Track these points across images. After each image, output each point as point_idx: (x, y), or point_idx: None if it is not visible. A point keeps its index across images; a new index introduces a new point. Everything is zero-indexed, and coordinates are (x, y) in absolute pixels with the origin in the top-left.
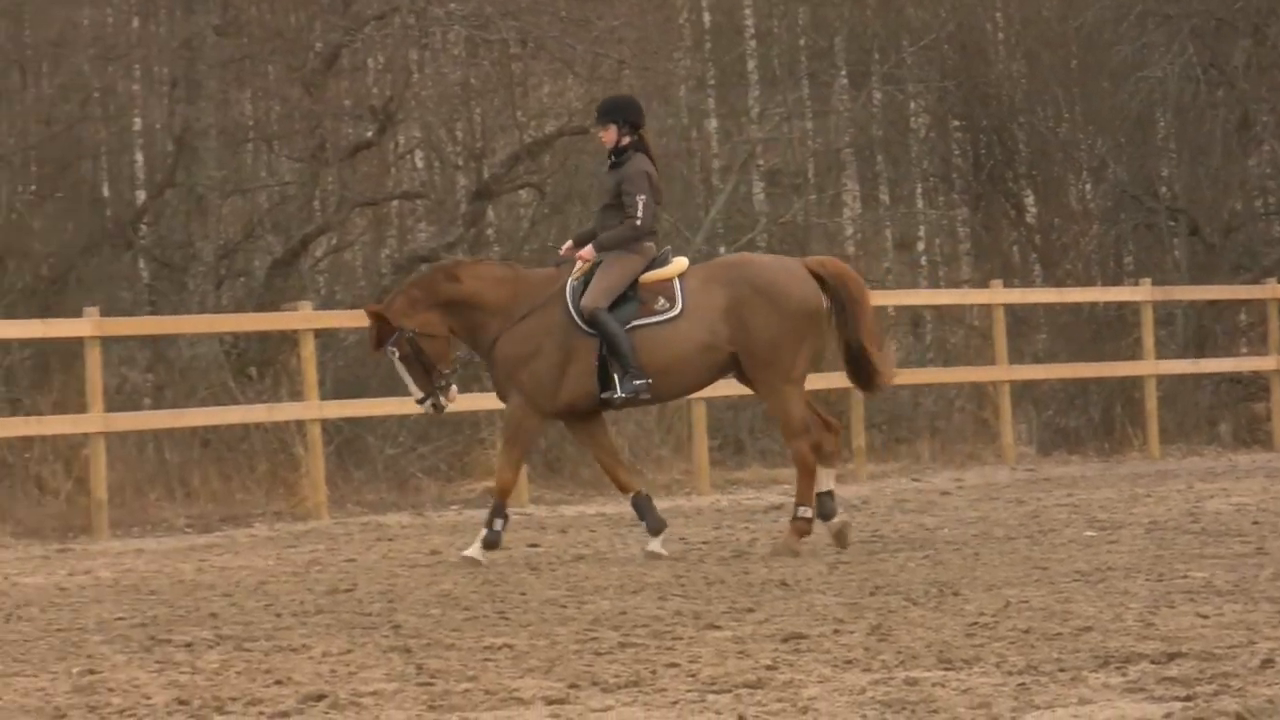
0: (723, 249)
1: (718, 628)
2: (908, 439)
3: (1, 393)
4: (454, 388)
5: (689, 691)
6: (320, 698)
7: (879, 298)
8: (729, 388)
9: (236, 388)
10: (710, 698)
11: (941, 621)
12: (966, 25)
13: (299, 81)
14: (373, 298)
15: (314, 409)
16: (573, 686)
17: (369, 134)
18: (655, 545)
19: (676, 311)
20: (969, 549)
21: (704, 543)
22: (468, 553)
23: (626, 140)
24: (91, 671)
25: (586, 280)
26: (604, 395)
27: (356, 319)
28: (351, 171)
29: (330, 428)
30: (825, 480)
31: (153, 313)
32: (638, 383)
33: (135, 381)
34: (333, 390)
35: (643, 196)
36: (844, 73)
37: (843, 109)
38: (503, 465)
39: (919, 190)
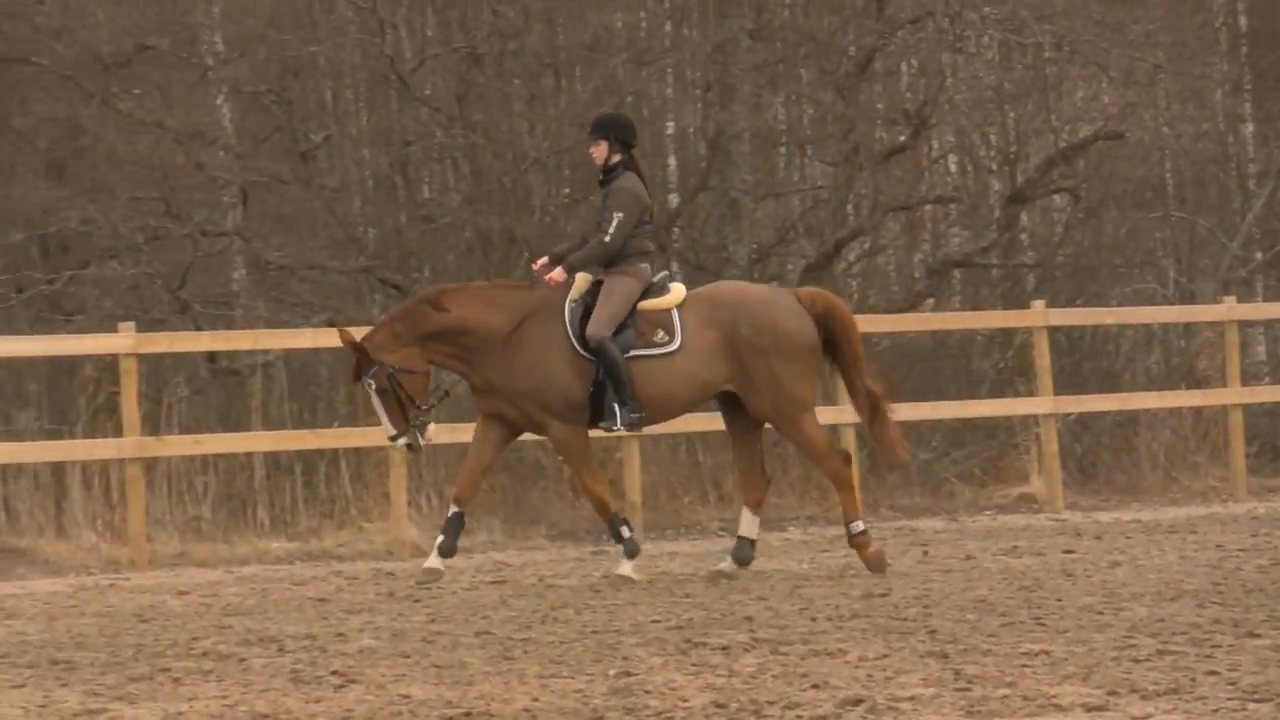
0: (1259, 254)
1: (1257, 636)
2: None
3: None
4: (431, 426)
5: (1230, 700)
6: (857, 702)
7: None
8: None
9: None
10: (1251, 706)
11: None
12: None
13: (832, 85)
14: (905, 303)
15: (848, 413)
16: (1111, 694)
17: (902, 138)
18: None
19: (675, 346)
20: None
21: (1241, 550)
22: (621, 571)
23: (617, 158)
24: (628, 673)
25: (586, 303)
26: (602, 424)
27: (891, 323)
28: (885, 175)
29: (864, 432)
30: (749, 527)
31: None
32: (634, 416)
33: None
34: None
35: (620, 214)
36: None
37: None
38: (587, 487)
39: None
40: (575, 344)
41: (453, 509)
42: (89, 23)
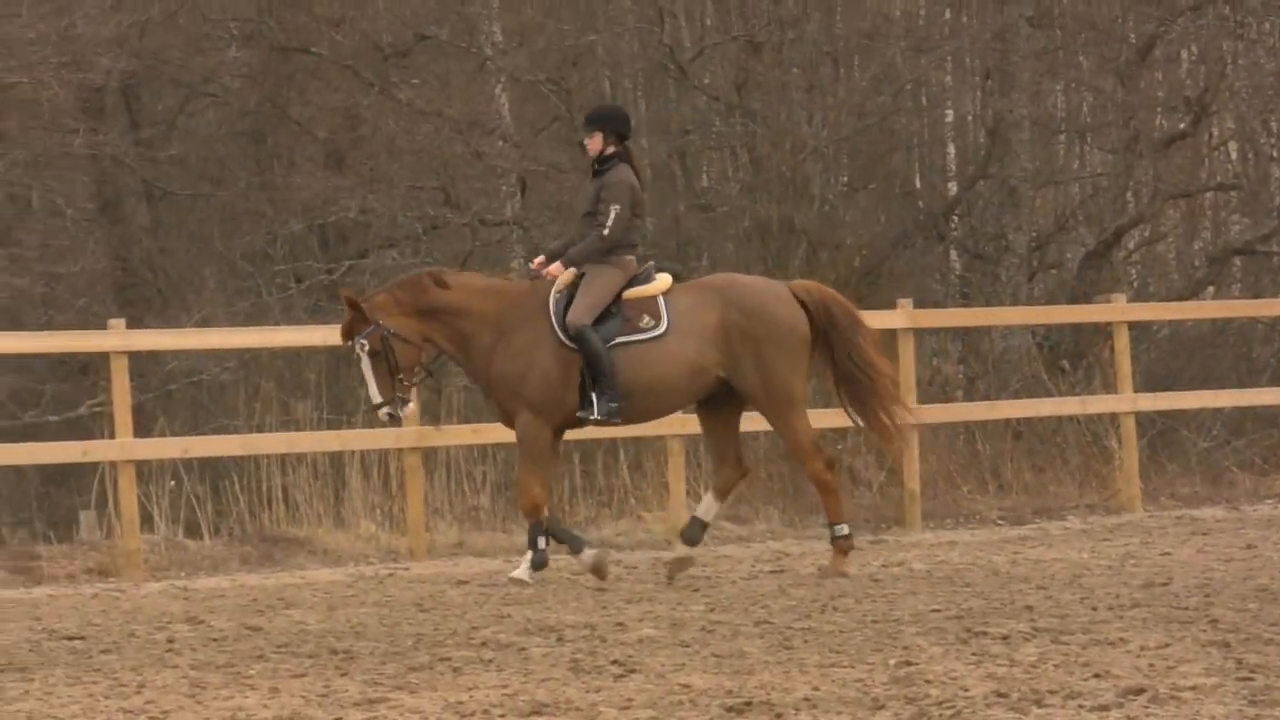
0: None
1: None
2: None
3: (815, 384)
4: (412, 404)
5: None
6: (1139, 691)
7: None
8: None
9: (1049, 380)
10: None
11: None
12: None
13: (1112, 73)
14: (1186, 291)
15: (1127, 402)
16: None
17: (1182, 125)
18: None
19: (662, 330)
20: None
21: None
22: (515, 574)
23: (611, 150)
24: (908, 663)
25: (570, 295)
26: (579, 414)
27: (1171, 311)
28: (1164, 163)
29: (1143, 420)
30: (707, 510)
31: (964, 304)
32: (613, 405)
33: (948, 373)
34: (1144, 382)
35: (616, 207)
36: None
37: None
38: (526, 484)
39: None
40: (560, 334)
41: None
42: (368, 12)
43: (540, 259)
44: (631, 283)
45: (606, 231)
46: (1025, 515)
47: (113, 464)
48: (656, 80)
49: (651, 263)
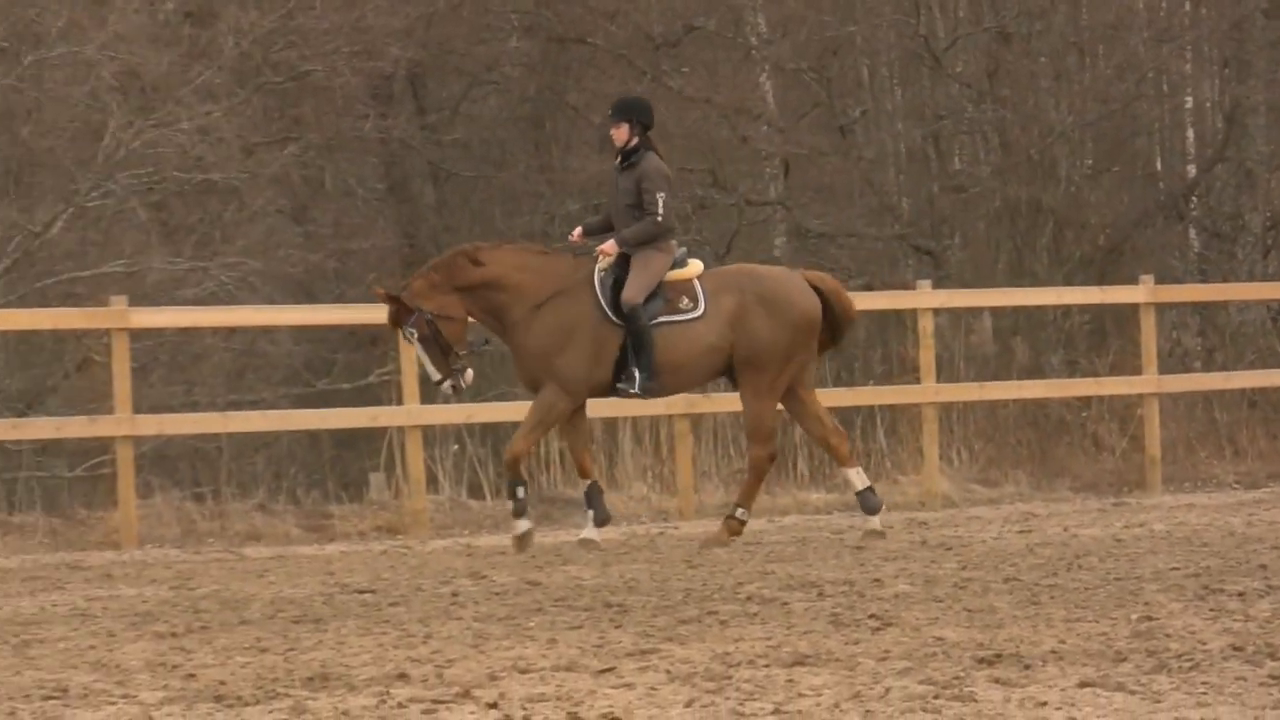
0: None
1: None
2: None
3: (1061, 355)
4: (470, 371)
5: None
6: None
7: None
8: None
9: None
10: None
11: None
12: None
13: None
14: None
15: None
16: None
17: None
18: (591, 533)
19: (699, 312)
20: None
21: None
22: (516, 531)
23: (636, 140)
24: (1149, 618)
25: (616, 273)
26: (619, 385)
27: None
28: None
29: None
30: (859, 478)
31: (1203, 281)
32: (650, 383)
33: (1187, 345)
34: None
35: (663, 194)
36: None
37: None
38: (522, 437)
39: None
40: (608, 310)
41: (586, 484)
42: (640, 5)
43: (578, 232)
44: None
45: (660, 218)
46: (1260, 479)
47: (400, 429)
48: (911, 68)
49: (684, 248)
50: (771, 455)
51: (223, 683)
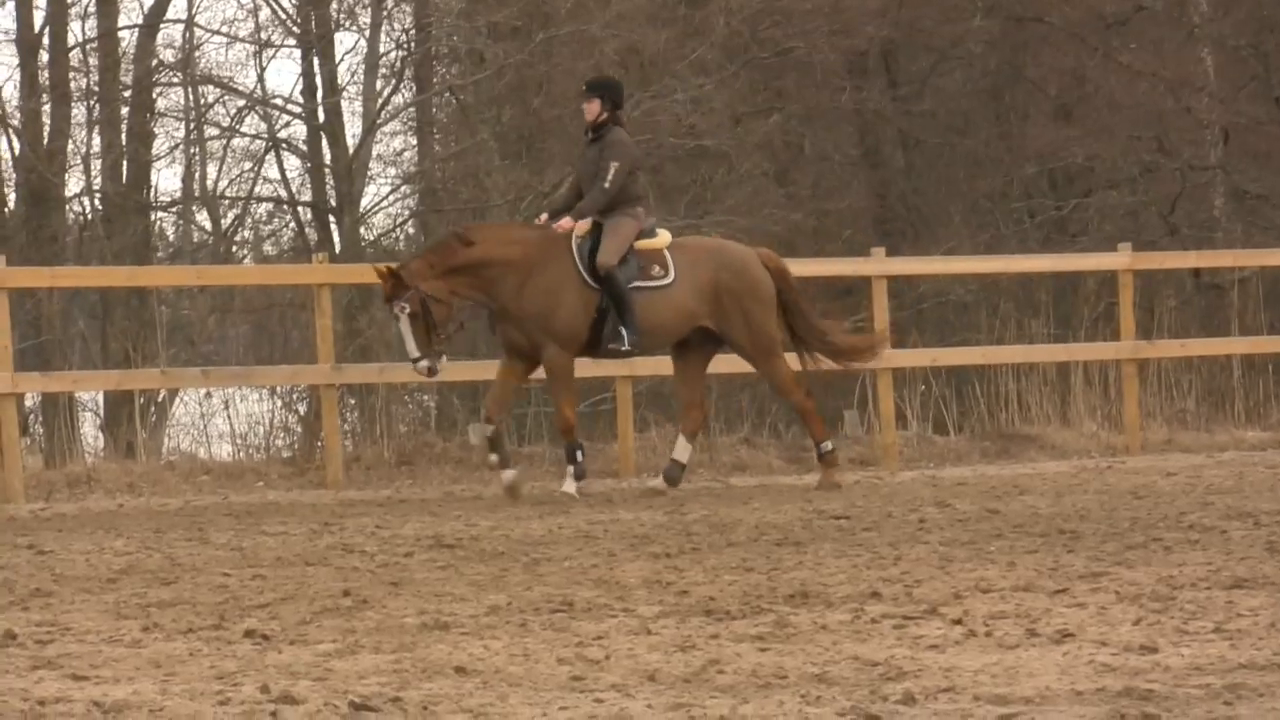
0: None
1: None
2: None
3: None
4: (444, 357)
5: None
6: None
7: None
8: None
9: None
10: None
11: None
12: None
13: None
14: None
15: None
16: None
17: None
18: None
19: (670, 280)
20: None
21: None
22: (564, 489)
23: (605, 116)
24: None
25: (593, 239)
26: (611, 345)
27: None
28: None
29: None
30: (682, 451)
31: None
32: (635, 338)
33: None
34: None
35: (615, 163)
36: None
37: None
38: (562, 405)
39: None
40: (585, 275)
41: (488, 428)
42: None
43: (544, 217)
44: (639, 235)
45: (607, 184)
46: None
47: (872, 371)
48: None
49: (653, 219)
50: (807, 393)
51: (712, 598)
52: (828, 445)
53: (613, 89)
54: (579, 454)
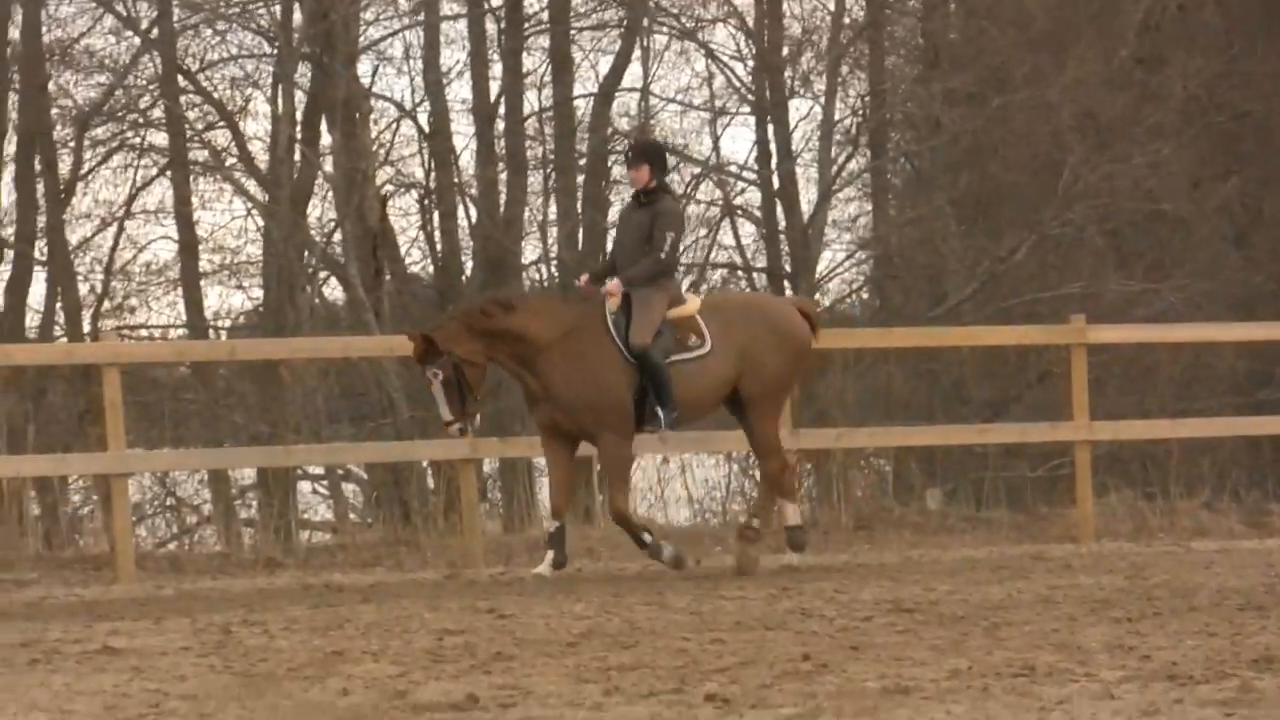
0: None
1: None
2: None
3: None
4: (478, 417)
5: None
6: None
7: None
8: None
9: None
10: None
11: None
12: None
13: None
14: None
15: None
16: None
17: None
18: (544, 568)
19: (707, 349)
20: None
21: None
22: (663, 557)
23: (654, 183)
24: None
25: (625, 314)
26: (648, 427)
27: None
28: None
29: None
30: (793, 515)
31: None
32: (674, 416)
33: None
34: None
35: (672, 234)
36: None
37: None
38: (615, 495)
39: None
40: (625, 354)
41: (553, 524)
42: None
43: (586, 278)
44: (671, 304)
45: (664, 255)
46: None
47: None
48: None
49: (680, 284)
50: (783, 466)
51: (1175, 663)
52: (758, 524)
53: (660, 154)
54: (646, 536)
